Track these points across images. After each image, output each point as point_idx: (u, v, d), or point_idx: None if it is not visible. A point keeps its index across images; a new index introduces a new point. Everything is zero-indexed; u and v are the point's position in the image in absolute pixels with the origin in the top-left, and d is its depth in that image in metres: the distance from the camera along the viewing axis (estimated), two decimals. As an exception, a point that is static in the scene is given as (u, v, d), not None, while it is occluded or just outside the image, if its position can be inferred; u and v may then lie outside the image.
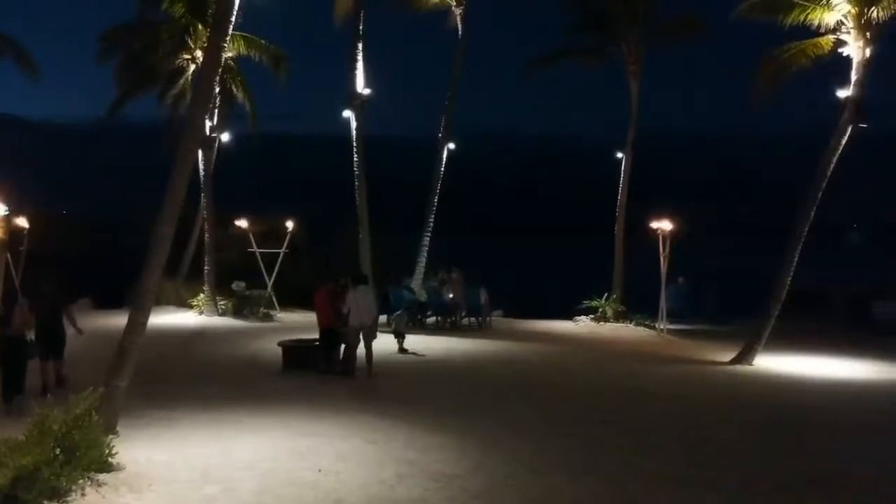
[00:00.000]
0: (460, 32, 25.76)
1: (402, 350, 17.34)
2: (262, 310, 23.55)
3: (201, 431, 10.40)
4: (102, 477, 8.08)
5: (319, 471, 8.65)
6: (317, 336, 15.36)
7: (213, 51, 10.11)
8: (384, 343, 16.46)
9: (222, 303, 23.71)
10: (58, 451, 7.81)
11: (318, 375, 14.37)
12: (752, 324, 17.64)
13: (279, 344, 15.59)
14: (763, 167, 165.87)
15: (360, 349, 14.63)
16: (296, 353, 15.09)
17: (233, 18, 10.29)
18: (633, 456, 9.57)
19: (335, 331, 14.74)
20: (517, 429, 10.78)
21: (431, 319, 22.23)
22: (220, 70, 10.39)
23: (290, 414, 11.38)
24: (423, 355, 17.09)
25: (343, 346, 14.77)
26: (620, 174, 24.93)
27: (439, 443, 9.91)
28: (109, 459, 8.47)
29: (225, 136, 26.56)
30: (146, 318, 10.58)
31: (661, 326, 21.26)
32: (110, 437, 9.10)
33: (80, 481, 7.80)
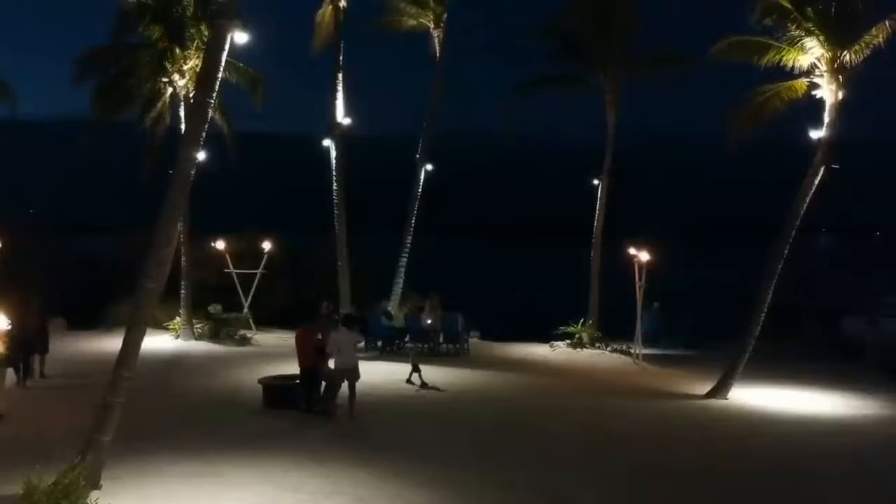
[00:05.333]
0: (438, 56, 25.77)
1: (423, 385, 17.26)
2: (239, 332, 23.46)
3: (184, 485, 10.36)
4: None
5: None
6: (296, 369, 15.29)
7: (199, 109, 10.08)
8: (368, 375, 16.45)
9: (198, 326, 23.56)
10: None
11: (300, 415, 14.39)
12: (727, 351, 17.94)
13: (260, 381, 15.57)
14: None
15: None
16: (276, 392, 15.07)
17: (219, 75, 10.28)
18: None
19: (316, 370, 14.73)
20: (502, 482, 10.84)
21: (410, 346, 22.23)
22: (206, 126, 10.35)
23: (274, 464, 11.37)
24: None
25: (324, 385, 14.77)
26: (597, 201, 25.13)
27: (425, 500, 9.99)
28: (96, 527, 8.49)
29: (201, 156, 26.33)
30: (132, 371, 10.56)
31: (636, 352, 21.53)
32: (96, 495, 9.13)
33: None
